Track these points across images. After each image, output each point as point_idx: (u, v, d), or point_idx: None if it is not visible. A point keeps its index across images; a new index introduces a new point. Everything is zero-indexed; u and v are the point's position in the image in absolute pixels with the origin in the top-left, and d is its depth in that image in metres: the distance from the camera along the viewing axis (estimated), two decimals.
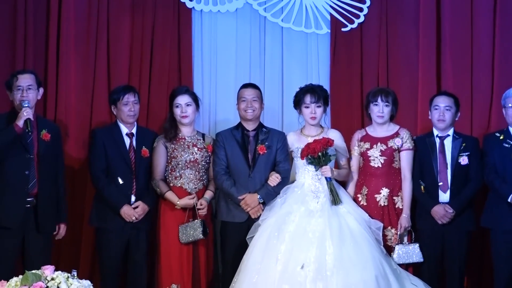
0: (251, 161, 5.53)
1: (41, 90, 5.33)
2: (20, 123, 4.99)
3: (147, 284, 5.57)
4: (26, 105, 5.04)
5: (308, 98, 5.48)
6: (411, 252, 5.38)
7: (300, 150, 5.36)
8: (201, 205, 5.41)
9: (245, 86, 5.71)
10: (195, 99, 5.60)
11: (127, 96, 5.49)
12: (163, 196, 5.46)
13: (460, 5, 6.31)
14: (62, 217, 5.36)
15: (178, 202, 5.40)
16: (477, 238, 5.81)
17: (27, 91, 5.14)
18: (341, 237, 5.04)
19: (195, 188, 5.49)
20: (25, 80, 5.17)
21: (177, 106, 5.54)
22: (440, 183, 5.51)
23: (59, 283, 3.63)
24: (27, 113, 5.00)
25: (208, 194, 5.53)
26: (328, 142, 5.28)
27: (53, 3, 6.15)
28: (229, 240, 5.51)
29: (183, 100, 5.54)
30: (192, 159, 5.48)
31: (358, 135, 5.62)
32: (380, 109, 5.51)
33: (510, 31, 6.27)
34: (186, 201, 5.40)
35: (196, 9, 6.41)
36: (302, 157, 5.34)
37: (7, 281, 3.71)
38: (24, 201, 5.09)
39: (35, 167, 5.14)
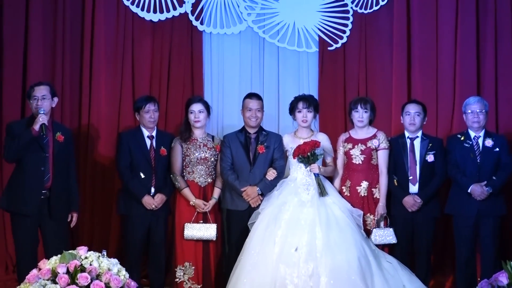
0: (252, 159, 5.48)
1: (56, 99, 5.22)
2: (36, 127, 4.94)
3: (165, 262, 5.53)
4: (42, 112, 4.98)
5: (301, 104, 5.45)
6: (387, 235, 5.36)
7: (293, 150, 5.33)
8: (204, 205, 5.38)
9: (251, 96, 5.60)
10: (207, 107, 5.55)
11: (149, 105, 5.44)
12: (180, 191, 5.42)
13: (427, 28, 6.30)
14: (74, 207, 5.29)
15: (194, 201, 5.37)
16: (441, 223, 5.80)
17: (41, 100, 5.06)
18: (328, 224, 5.00)
19: (205, 182, 5.44)
20: (40, 91, 5.10)
21: (191, 112, 5.49)
22: (410, 177, 5.48)
23: (92, 261, 3.59)
24: (42, 119, 4.95)
25: (216, 193, 5.47)
26: (316, 144, 5.24)
27: (87, 26, 6.16)
28: (233, 226, 5.47)
29: (197, 107, 5.49)
30: (203, 157, 5.44)
31: (342, 137, 5.58)
32: (360, 115, 5.48)
33: (468, 50, 6.25)
34: (200, 204, 5.36)
35: (206, 32, 6.40)
36: (294, 157, 5.30)
37: (43, 259, 3.65)
38: (40, 193, 5.04)
39: (50, 164, 5.09)
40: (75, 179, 5.34)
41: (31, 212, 5.03)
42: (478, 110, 5.47)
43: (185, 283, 5.35)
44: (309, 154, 5.20)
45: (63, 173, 5.18)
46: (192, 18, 6.32)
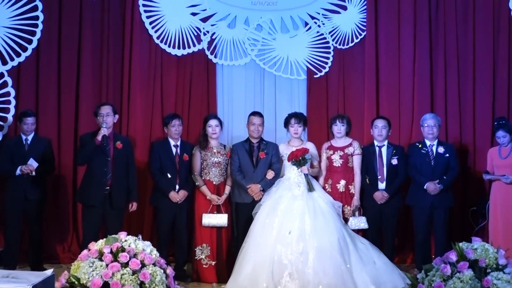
0: (255, 162, 5.46)
1: (117, 116, 5.30)
2: (99, 137, 5.03)
3: (187, 244, 5.50)
4: (104, 126, 5.06)
5: (293, 120, 5.44)
6: (361, 222, 5.33)
7: (287, 155, 5.32)
8: (218, 199, 5.34)
9: (254, 114, 5.59)
10: (221, 122, 5.54)
11: (174, 120, 5.45)
12: (199, 188, 5.41)
13: (391, 61, 6.31)
14: (134, 197, 5.33)
15: (210, 196, 5.35)
16: (403, 212, 5.79)
17: (106, 117, 5.14)
18: (315, 213, 4.98)
19: (218, 181, 5.42)
20: (105, 109, 5.19)
21: (209, 126, 5.47)
22: (379, 177, 5.48)
23: (130, 243, 3.56)
24: (103, 131, 5.04)
25: (227, 190, 5.44)
26: (305, 151, 5.24)
27: (126, 59, 6.19)
28: (240, 215, 5.45)
29: (213, 122, 5.48)
30: (217, 162, 5.43)
31: (325, 145, 5.57)
32: (338, 128, 5.48)
33: (424, 77, 6.27)
34: (214, 198, 5.34)
35: (219, 63, 6.41)
36: (288, 160, 5.30)
37: (92, 242, 3.64)
38: (103, 188, 5.11)
39: (111, 166, 5.14)
40: (135, 176, 5.36)
41: (96, 204, 5.10)
42: (432, 124, 5.49)
43: (202, 260, 5.34)
44: (300, 158, 5.19)
45: (122, 173, 5.22)
46: (208, 52, 6.34)
